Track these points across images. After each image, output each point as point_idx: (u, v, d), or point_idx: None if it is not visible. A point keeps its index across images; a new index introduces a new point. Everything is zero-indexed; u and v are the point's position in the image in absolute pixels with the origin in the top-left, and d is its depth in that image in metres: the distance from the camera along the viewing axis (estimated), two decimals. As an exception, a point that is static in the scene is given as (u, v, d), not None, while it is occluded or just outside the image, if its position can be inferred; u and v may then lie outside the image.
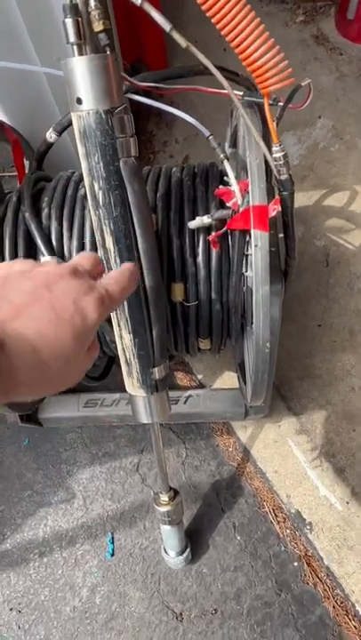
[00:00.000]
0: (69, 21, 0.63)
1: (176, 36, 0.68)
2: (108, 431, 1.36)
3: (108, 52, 0.67)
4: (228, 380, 1.38)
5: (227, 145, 1.17)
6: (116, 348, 1.03)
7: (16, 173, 1.16)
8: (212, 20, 0.69)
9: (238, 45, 0.68)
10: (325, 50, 1.78)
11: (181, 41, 0.68)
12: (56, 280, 0.38)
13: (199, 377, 1.39)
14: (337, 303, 1.43)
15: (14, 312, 0.34)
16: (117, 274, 0.45)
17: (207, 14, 0.68)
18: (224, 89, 0.77)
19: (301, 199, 1.54)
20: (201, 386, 1.38)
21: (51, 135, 0.99)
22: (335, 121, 1.65)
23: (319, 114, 1.66)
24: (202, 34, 1.80)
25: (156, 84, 0.91)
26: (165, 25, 0.66)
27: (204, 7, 0.67)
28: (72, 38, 0.64)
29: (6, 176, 1.09)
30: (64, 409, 1.30)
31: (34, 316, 0.35)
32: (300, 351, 1.38)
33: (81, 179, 0.97)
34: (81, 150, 0.71)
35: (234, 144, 1.15)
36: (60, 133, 0.99)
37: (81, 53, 0.65)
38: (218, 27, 0.69)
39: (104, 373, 1.30)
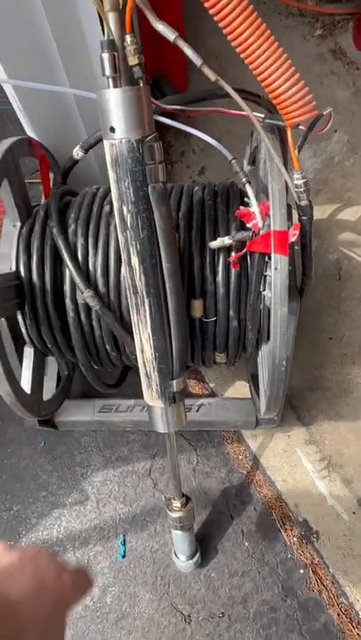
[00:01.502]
0: (106, 56, 0.67)
1: (206, 70, 0.71)
2: (121, 436, 1.40)
3: (142, 85, 0.70)
4: (240, 389, 1.42)
5: (245, 162, 1.20)
6: (135, 359, 1.08)
7: (39, 181, 1.20)
8: (240, 54, 0.72)
9: (265, 79, 0.71)
10: (343, 64, 1.80)
11: (211, 75, 0.72)
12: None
13: (211, 385, 1.43)
14: (348, 316, 1.46)
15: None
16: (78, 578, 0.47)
17: (236, 49, 0.71)
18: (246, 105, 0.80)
19: (315, 213, 1.55)
20: (213, 394, 1.42)
21: (77, 152, 1.03)
22: (351, 135, 1.67)
23: (335, 128, 1.69)
24: (222, 46, 1.83)
25: (182, 107, 0.95)
26: (197, 60, 0.70)
27: (233, 43, 0.70)
28: (108, 72, 0.68)
29: (32, 183, 1.13)
30: (80, 413, 1.34)
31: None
32: (311, 363, 1.41)
33: (105, 195, 1.01)
34: (112, 175, 0.75)
35: (253, 162, 1.19)
36: (86, 151, 1.03)
37: (116, 86, 0.69)
38: (245, 60, 0.72)
39: (120, 381, 1.33)
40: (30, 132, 1.14)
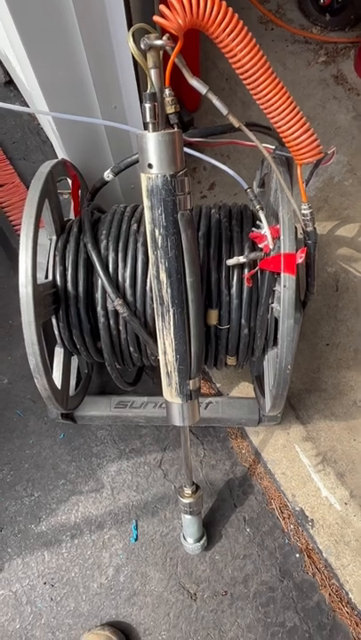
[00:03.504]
0: (148, 106, 0.79)
1: (231, 118, 0.84)
2: (134, 430, 1.52)
3: (176, 129, 0.83)
4: (244, 389, 1.54)
5: (255, 184, 1.33)
6: (154, 359, 1.20)
7: (68, 192, 1.31)
8: (258, 102, 0.85)
9: (280, 127, 0.84)
10: (344, 90, 1.94)
11: (235, 122, 0.85)
12: None
13: (218, 385, 1.55)
14: (344, 325, 1.59)
15: None
16: None
17: (254, 97, 0.84)
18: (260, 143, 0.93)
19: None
20: (219, 394, 1.55)
21: (108, 175, 1.15)
22: (350, 157, 1.81)
23: (336, 150, 1.82)
24: (230, 69, 1.97)
25: (203, 139, 1.08)
26: (223, 109, 0.82)
27: (252, 91, 0.82)
28: (148, 119, 0.80)
29: (64, 194, 1.24)
30: (97, 409, 1.46)
31: None
32: (309, 367, 1.54)
33: (132, 214, 1.13)
34: (147, 203, 0.87)
35: (262, 185, 1.32)
36: (116, 174, 1.15)
37: (154, 130, 0.81)
38: (263, 109, 0.85)
39: (136, 380, 1.46)
40: (62, 154, 1.26)
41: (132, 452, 1.50)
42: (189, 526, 1.29)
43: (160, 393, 1.03)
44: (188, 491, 1.23)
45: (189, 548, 1.33)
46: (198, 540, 1.32)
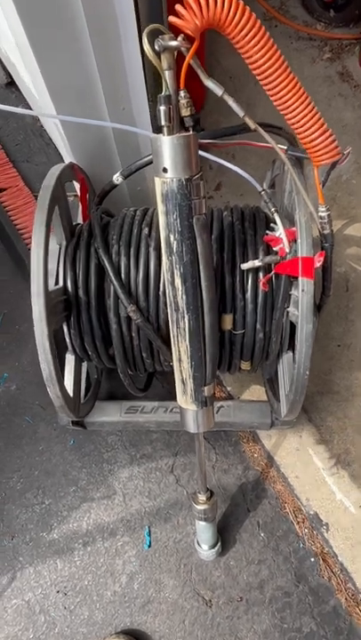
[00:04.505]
0: (163, 109, 0.77)
1: (247, 119, 0.82)
2: (145, 435, 1.51)
3: (191, 132, 0.81)
4: (255, 392, 1.53)
5: (265, 185, 1.31)
6: (167, 365, 1.18)
7: (74, 194, 1.29)
8: (275, 104, 0.83)
9: (297, 128, 0.82)
10: (350, 87, 1.92)
11: (251, 124, 0.83)
12: None
13: (228, 389, 1.54)
14: (355, 325, 1.58)
15: None
16: None
17: (272, 98, 0.82)
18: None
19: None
20: (230, 397, 1.53)
21: (117, 178, 1.13)
22: (358, 155, 1.79)
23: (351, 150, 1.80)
24: (236, 67, 1.94)
25: (213, 141, 1.06)
26: (240, 111, 0.81)
27: (269, 93, 0.81)
28: (163, 122, 0.78)
29: (72, 196, 1.23)
30: (107, 414, 1.44)
31: None
32: (321, 369, 1.53)
33: (142, 218, 1.11)
34: (161, 208, 0.85)
35: (272, 186, 1.30)
36: (125, 177, 1.13)
37: (170, 133, 0.79)
38: (280, 110, 0.83)
39: (146, 385, 1.44)
40: (69, 157, 1.24)
41: (143, 458, 1.48)
42: (204, 533, 1.28)
43: (171, 397, 1.01)
44: (202, 497, 1.21)
45: (204, 554, 1.32)
46: (213, 546, 1.31)
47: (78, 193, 1.26)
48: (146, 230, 1.08)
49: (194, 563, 1.36)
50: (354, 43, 1.99)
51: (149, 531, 1.40)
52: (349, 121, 1.84)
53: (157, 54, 0.75)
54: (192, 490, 1.42)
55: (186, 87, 0.80)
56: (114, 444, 1.50)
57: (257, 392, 1.52)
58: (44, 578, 1.37)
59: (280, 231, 0.97)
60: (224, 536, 1.37)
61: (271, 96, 0.81)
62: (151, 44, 0.74)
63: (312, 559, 1.35)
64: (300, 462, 1.43)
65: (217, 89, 0.79)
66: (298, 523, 1.39)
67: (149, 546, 1.39)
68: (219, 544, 1.32)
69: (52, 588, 1.36)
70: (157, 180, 0.83)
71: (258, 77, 0.77)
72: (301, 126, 0.80)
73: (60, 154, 1.84)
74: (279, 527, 1.39)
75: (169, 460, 1.47)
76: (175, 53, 0.77)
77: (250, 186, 1.04)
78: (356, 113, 1.86)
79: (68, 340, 1.12)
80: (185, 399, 1.01)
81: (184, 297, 0.90)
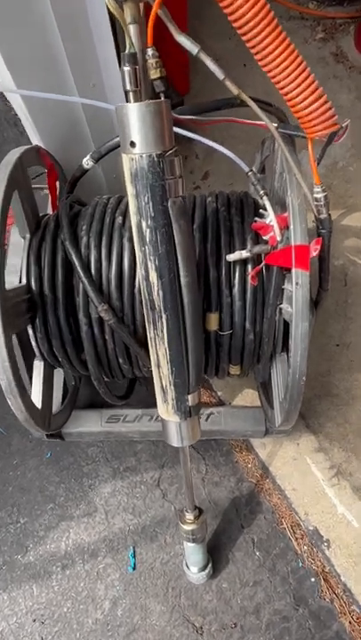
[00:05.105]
0: (127, 69, 0.65)
1: (228, 84, 0.70)
2: (129, 446, 1.38)
3: (163, 99, 0.69)
4: (248, 396, 1.41)
5: (255, 169, 1.19)
6: (147, 371, 1.06)
7: (44, 186, 1.17)
8: (262, 67, 0.71)
9: (287, 92, 0.70)
10: (345, 68, 1.80)
11: (233, 89, 0.71)
12: None
13: (219, 393, 1.42)
14: (355, 323, 1.46)
15: None
16: None
17: (259, 62, 0.70)
18: (258, 119, 0.79)
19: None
20: (221, 402, 1.41)
21: (87, 162, 1.01)
22: (354, 140, 1.67)
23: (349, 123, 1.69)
24: (223, 50, 1.82)
25: (195, 117, 0.93)
26: (220, 74, 0.69)
27: (256, 56, 0.69)
28: (128, 86, 0.66)
29: (39, 189, 1.11)
30: (86, 424, 1.32)
31: None
32: (319, 370, 1.41)
33: (117, 206, 0.99)
34: (130, 190, 0.73)
35: (262, 170, 1.18)
36: (96, 161, 1.01)
37: (137, 100, 0.67)
38: (268, 74, 0.71)
39: (128, 392, 1.32)
40: (37, 141, 1.12)
41: (126, 471, 1.36)
42: (193, 554, 1.16)
43: (156, 404, 0.89)
44: (189, 516, 1.09)
45: (193, 577, 1.20)
46: (203, 568, 1.19)
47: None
48: (120, 219, 0.95)
49: (183, 586, 1.24)
50: (349, 22, 1.87)
51: (134, 551, 1.28)
52: (345, 103, 1.73)
53: (119, 4, 0.63)
54: (180, 505, 1.30)
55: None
56: (94, 456, 1.38)
57: (250, 396, 1.40)
58: (18, 605, 1.25)
59: (270, 217, 0.85)
60: (216, 556, 1.25)
61: (256, 55, 0.69)
62: (111, -9, 0.62)
63: (312, 579, 1.23)
64: (298, 473, 1.31)
65: (192, 47, 0.67)
66: (296, 539, 1.27)
67: (134, 568, 1.26)
68: (209, 566, 1.20)
69: (27, 616, 1.24)
70: (125, 158, 0.71)
71: (239, 31, 0.65)
72: (293, 90, 0.69)
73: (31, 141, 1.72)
74: (276, 545, 1.27)
75: (155, 473, 1.35)
76: (141, 5, 0.65)
77: (240, 174, 0.93)
78: (353, 94, 1.74)
79: (34, 344, 1.00)
80: (166, 409, 0.89)
81: (161, 293, 0.78)
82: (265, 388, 1.26)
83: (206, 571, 1.19)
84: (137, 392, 1.38)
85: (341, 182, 1.63)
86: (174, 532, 1.29)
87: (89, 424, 1.32)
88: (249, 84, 1.67)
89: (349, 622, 1.19)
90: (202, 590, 1.24)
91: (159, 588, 1.25)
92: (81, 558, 1.28)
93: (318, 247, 0.77)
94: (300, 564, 1.25)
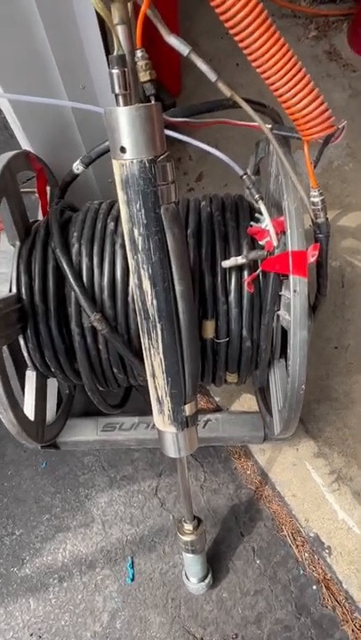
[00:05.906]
0: (116, 72, 0.63)
1: (221, 85, 0.67)
2: (125, 454, 1.36)
3: (154, 103, 0.66)
4: (246, 401, 1.39)
5: (249, 172, 1.17)
6: (142, 380, 1.04)
7: (33, 190, 1.14)
8: (256, 68, 0.69)
9: (282, 94, 0.68)
10: (338, 66, 1.78)
11: (226, 90, 0.68)
12: None
13: (217, 399, 1.39)
14: (353, 324, 1.44)
15: None
16: None
17: (252, 63, 0.68)
18: (252, 121, 0.77)
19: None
20: (218, 408, 1.39)
21: (78, 167, 0.99)
22: (350, 139, 1.65)
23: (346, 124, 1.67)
24: (215, 50, 1.80)
25: (187, 119, 0.91)
26: (212, 76, 0.66)
27: (250, 57, 0.66)
28: (118, 89, 0.64)
29: (29, 193, 1.08)
30: (82, 433, 1.29)
31: None
32: (317, 374, 1.39)
33: (108, 211, 0.97)
34: (122, 197, 0.70)
35: (256, 172, 1.15)
36: (87, 165, 0.98)
37: (126, 103, 0.65)
38: (262, 75, 0.68)
39: (123, 401, 1.29)
40: (26, 145, 1.09)
41: (123, 480, 1.33)
42: (192, 565, 1.14)
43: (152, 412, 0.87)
44: (188, 526, 1.07)
45: (193, 587, 1.18)
46: (203, 578, 1.17)
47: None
48: (112, 225, 0.93)
49: (183, 596, 1.22)
50: (341, 19, 1.85)
51: (132, 562, 1.26)
52: (339, 102, 1.71)
53: (106, 5, 0.60)
54: (179, 514, 1.28)
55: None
56: (91, 465, 1.35)
57: (248, 401, 1.38)
58: (15, 619, 1.22)
59: (266, 222, 0.82)
60: (215, 565, 1.23)
61: (249, 54, 0.66)
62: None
63: (314, 587, 1.21)
64: (298, 479, 1.29)
65: (183, 48, 0.64)
66: (297, 547, 1.25)
67: (133, 579, 1.24)
68: (209, 576, 1.18)
69: (24, 630, 1.21)
70: (115, 164, 0.68)
71: (231, 30, 0.63)
72: (288, 91, 0.66)
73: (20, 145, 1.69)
74: (276, 552, 1.25)
75: (152, 482, 1.33)
76: (130, 5, 0.62)
77: (235, 176, 0.90)
78: (347, 94, 1.72)
79: (26, 355, 0.97)
80: (162, 420, 0.87)
81: (155, 302, 0.76)
82: (263, 394, 1.24)
83: (206, 581, 1.17)
84: (133, 399, 1.35)
85: (337, 182, 1.61)
86: (173, 541, 1.26)
87: (84, 433, 1.29)
88: (242, 83, 1.65)
89: (352, 630, 1.17)
90: (202, 600, 1.22)
91: (158, 598, 1.22)
92: (78, 570, 1.26)
93: (316, 253, 0.74)
94: (302, 572, 1.23)
